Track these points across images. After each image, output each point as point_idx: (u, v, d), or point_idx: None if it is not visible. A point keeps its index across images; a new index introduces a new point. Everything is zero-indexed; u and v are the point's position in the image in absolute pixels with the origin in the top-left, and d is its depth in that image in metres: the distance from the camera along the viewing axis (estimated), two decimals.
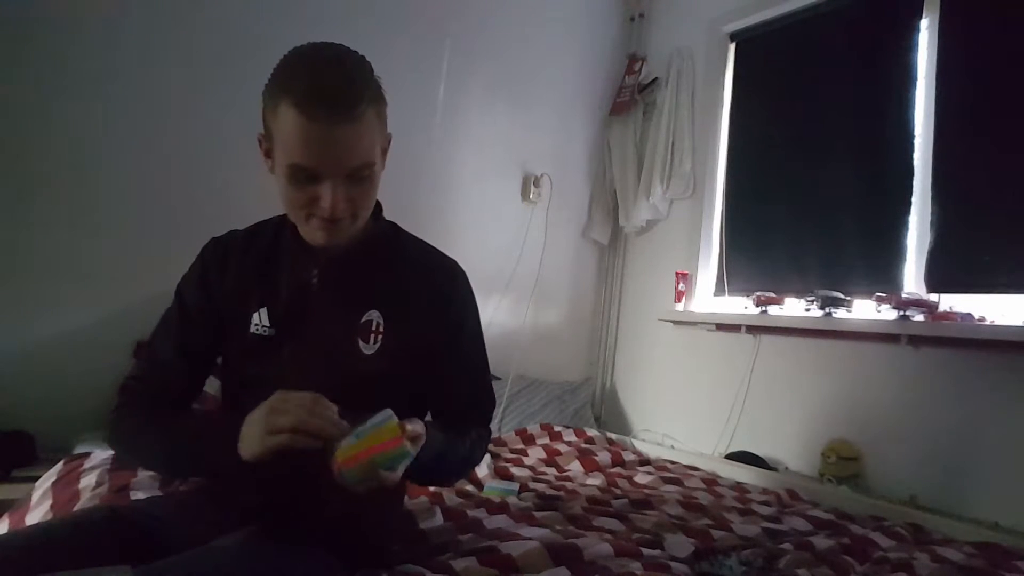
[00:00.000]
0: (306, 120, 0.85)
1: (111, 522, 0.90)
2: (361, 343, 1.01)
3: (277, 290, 1.03)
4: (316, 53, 0.90)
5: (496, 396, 1.24)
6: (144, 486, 1.32)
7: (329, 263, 1.03)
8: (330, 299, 1.03)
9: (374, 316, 1.03)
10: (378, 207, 1.08)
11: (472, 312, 1.14)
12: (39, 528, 0.92)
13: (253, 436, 0.84)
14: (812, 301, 2.23)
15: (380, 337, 1.02)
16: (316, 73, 0.87)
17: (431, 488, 1.55)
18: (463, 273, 1.13)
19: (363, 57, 0.93)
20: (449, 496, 1.53)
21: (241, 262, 1.05)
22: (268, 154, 0.95)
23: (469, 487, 1.69)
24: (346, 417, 0.83)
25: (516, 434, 2.36)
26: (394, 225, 1.13)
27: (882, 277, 2.19)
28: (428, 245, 1.14)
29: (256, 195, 1.36)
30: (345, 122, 0.86)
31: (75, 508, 1.22)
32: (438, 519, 1.36)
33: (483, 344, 1.16)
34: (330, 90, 0.85)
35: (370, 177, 0.94)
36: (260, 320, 1.02)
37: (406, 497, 1.37)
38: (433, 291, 1.08)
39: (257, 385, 1.03)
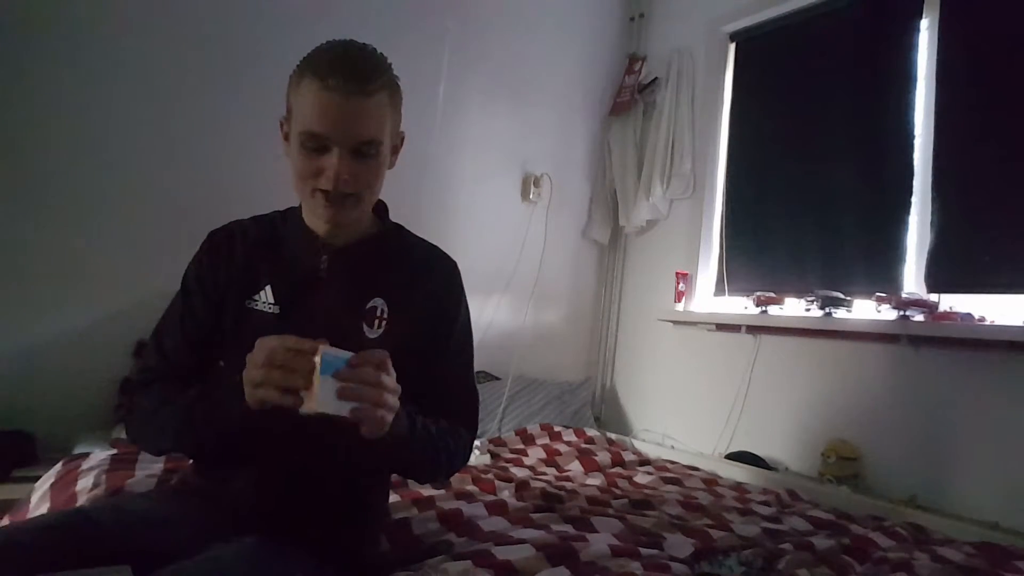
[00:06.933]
0: (323, 89, 0.92)
1: (84, 525, 0.88)
2: (365, 327, 1.04)
3: (284, 271, 1.06)
4: (341, 41, 0.98)
5: (496, 396, 1.24)
6: (141, 487, 1.30)
7: (338, 252, 1.05)
8: (337, 284, 1.05)
9: (379, 303, 1.05)
10: (384, 208, 1.13)
11: (464, 308, 1.17)
12: (30, 527, 0.90)
13: (245, 388, 0.84)
14: (812, 301, 2.23)
15: (384, 323, 1.05)
16: (339, 52, 0.95)
17: (430, 488, 1.55)
18: (459, 270, 1.17)
19: (384, 54, 1.00)
20: (448, 497, 1.52)
21: (245, 244, 1.08)
22: (287, 137, 1.01)
23: (469, 487, 1.68)
24: None
25: (516, 434, 2.35)
26: (399, 225, 1.17)
27: (882, 277, 2.19)
28: (430, 243, 1.18)
29: (257, 195, 1.36)
30: (358, 94, 0.93)
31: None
32: (433, 521, 1.35)
33: (472, 339, 1.18)
34: (348, 64, 0.93)
35: (376, 157, 0.98)
36: (265, 298, 1.04)
37: (399, 499, 1.37)
38: (433, 285, 1.12)
39: None
